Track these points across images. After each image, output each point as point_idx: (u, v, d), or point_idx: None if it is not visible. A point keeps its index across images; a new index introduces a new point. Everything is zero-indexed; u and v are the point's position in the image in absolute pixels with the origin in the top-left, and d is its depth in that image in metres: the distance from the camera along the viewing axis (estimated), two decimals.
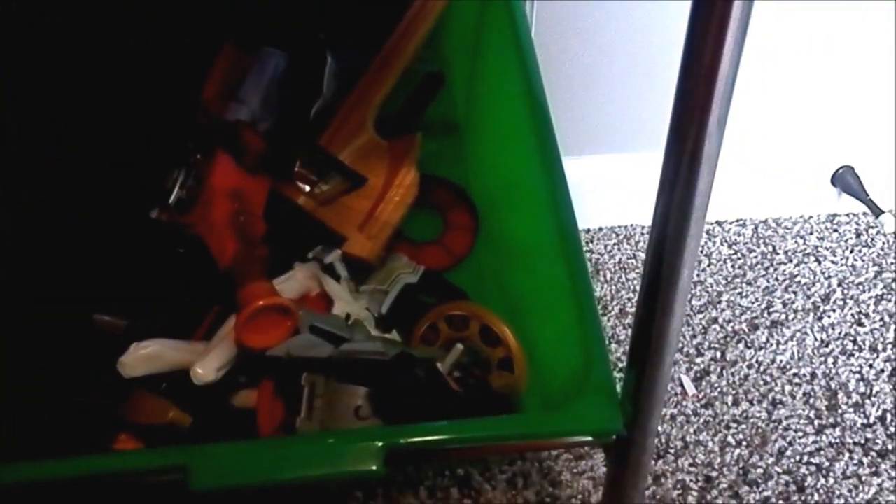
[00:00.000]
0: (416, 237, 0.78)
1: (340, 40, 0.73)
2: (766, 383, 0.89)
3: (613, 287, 1.01)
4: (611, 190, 1.08)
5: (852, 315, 0.96)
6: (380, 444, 0.50)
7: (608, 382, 0.56)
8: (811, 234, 1.07)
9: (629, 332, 0.97)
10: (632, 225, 1.09)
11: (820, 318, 0.96)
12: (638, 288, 1.01)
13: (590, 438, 0.54)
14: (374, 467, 0.50)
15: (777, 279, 1.01)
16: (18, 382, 0.57)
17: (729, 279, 1.01)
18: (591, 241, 1.07)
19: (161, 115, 0.69)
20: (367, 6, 0.74)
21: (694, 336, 0.95)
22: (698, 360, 0.91)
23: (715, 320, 0.96)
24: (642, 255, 1.06)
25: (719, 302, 0.98)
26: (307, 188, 0.68)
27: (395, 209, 0.70)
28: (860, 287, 0.99)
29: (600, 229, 1.09)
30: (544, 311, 0.66)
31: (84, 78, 0.70)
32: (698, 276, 1.02)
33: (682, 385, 0.88)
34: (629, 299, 1.00)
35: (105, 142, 0.68)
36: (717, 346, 0.93)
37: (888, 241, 1.06)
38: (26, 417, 0.56)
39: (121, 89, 0.70)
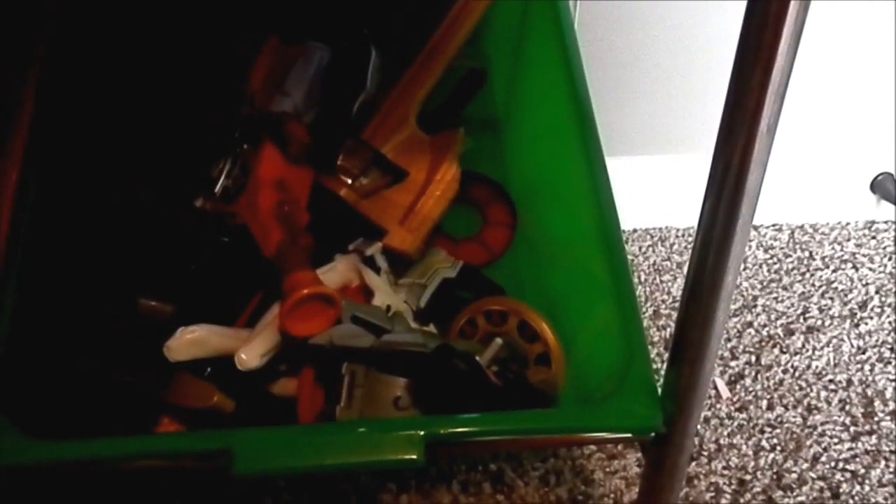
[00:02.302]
0: (455, 233, 0.78)
1: (385, 35, 0.74)
2: (801, 388, 0.88)
3: (648, 288, 1.01)
4: (645, 191, 1.08)
5: (890, 323, 0.95)
6: (421, 433, 0.51)
7: (649, 379, 0.56)
8: (849, 240, 1.06)
9: (662, 333, 0.97)
10: (666, 227, 1.09)
11: (857, 325, 0.95)
12: (672, 290, 1.01)
13: (629, 435, 0.54)
14: (414, 456, 0.50)
15: (813, 285, 1.01)
16: (65, 363, 0.58)
17: (765, 283, 1.01)
18: (627, 243, 1.07)
19: (208, 105, 0.70)
20: (412, 1, 0.75)
21: (729, 339, 0.94)
22: (733, 363, 0.91)
23: (750, 324, 0.95)
24: (677, 258, 1.06)
25: (755, 306, 0.98)
26: (349, 181, 0.69)
27: (435, 204, 0.70)
28: None
29: (634, 231, 1.09)
30: (583, 308, 0.66)
31: (134, 68, 0.71)
32: None
33: (716, 388, 0.88)
34: (663, 301, 1.00)
35: (154, 130, 0.69)
36: (752, 349, 0.92)
37: None
38: (72, 397, 0.57)
39: (169, 79, 0.71)
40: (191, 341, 0.58)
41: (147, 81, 0.72)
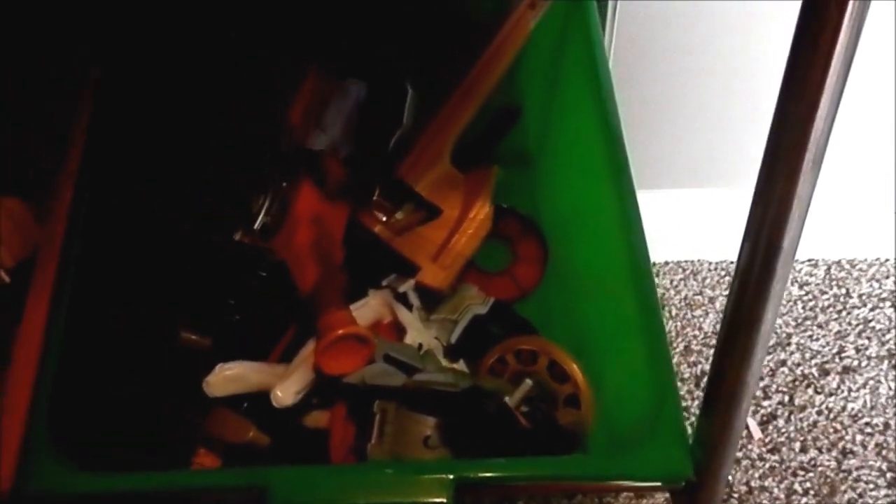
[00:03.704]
0: (486, 267, 0.79)
1: (421, 71, 0.75)
2: (836, 431, 0.87)
3: (679, 323, 1.00)
4: (678, 224, 1.08)
5: None
6: (451, 476, 0.52)
7: (678, 425, 0.56)
8: (888, 278, 1.05)
9: (694, 370, 0.96)
10: (699, 260, 1.09)
11: (895, 367, 0.94)
12: (703, 325, 1.01)
13: (659, 484, 0.54)
14: (444, 500, 0.51)
15: (850, 323, 0.99)
16: (108, 394, 0.59)
17: (799, 321, 1.00)
18: (658, 276, 1.07)
19: (249, 140, 0.72)
20: (449, 38, 0.76)
21: (761, 378, 0.94)
22: (765, 403, 0.90)
23: (784, 363, 0.95)
24: (709, 292, 1.05)
25: (788, 344, 0.97)
26: (384, 217, 0.70)
27: (468, 241, 0.71)
28: None
29: (666, 263, 1.08)
30: (613, 347, 0.66)
31: (176, 101, 0.73)
32: None
33: (747, 428, 0.87)
34: (694, 336, 0.99)
35: (198, 163, 0.71)
36: (785, 389, 0.91)
37: None
38: (114, 428, 0.58)
39: (213, 112, 0.73)
40: (229, 378, 0.59)
41: (192, 113, 0.74)
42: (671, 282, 1.06)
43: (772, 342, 0.98)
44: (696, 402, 0.91)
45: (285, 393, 0.58)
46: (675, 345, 0.98)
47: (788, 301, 1.03)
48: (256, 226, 0.66)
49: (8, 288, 0.62)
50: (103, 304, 0.63)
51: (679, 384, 0.99)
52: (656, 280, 1.07)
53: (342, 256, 0.67)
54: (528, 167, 0.84)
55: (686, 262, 1.08)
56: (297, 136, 0.73)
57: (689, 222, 1.09)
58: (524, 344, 0.68)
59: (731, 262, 1.07)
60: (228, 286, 0.67)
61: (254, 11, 0.74)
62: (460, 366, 0.72)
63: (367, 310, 0.69)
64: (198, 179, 0.70)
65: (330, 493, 0.51)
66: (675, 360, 0.97)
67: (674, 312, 1.01)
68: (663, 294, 1.05)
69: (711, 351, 0.97)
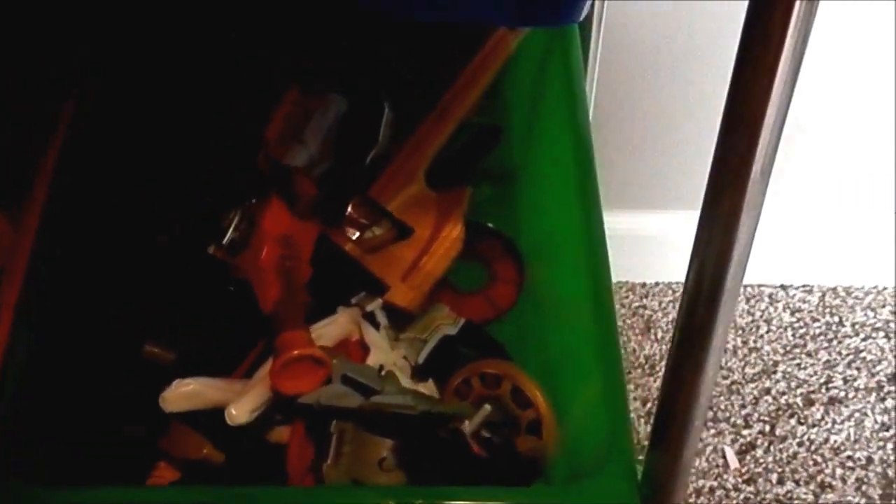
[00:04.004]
0: (461, 286, 0.79)
1: (399, 90, 0.75)
2: (815, 464, 0.86)
3: (665, 346, 1.00)
4: (670, 245, 1.07)
5: None
6: (392, 501, 0.52)
7: (628, 457, 0.55)
8: (883, 307, 1.03)
9: None
10: None
11: (883, 400, 0.93)
12: None
13: None
14: None
15: (840, 353, 0.98)
16: (65, 405, 0.60)
17: (788, 349, 0.99)
18: (647, 297, 1.06)
19: (225, 154, 0.72)
20: (428, 57, 0.76)
21: (743, 406, 0.93)
22: (745, 431, 0.89)
23: (768, 391, 0.94)
24: None
25: (774, 372, 0.96)
26: (355, 235, 0.70)
27: (438, 262, 0.71)
28: None
29: (657, 284, 1.08)
30: (577, 375, 0.66)
31: (155, 114, 0.74)
32: (755, 342, 1.00)
33: (724, 457, 0.86)
34: None
35: (170, 176, 0.72)
36: (766, 418, 0.90)
37: None
38: (69, 440, 0.59)
39: (188, 127, 0.74)
40: (185, 394, 0.59)
41: (169, 126, 0.74)
42: (660, 303, 1.05)
43: (758, 369, 0.97)
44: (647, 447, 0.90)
45: (240, 411, 0.58)
46: (658, 368, 0.98)
47: (779, 327, 1.02)
48: (224, 241, 0.67)
49: None
50: (70, 313, 0.64)
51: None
52: (645, 301, 1.07)
53: (308, 275, 0.67)
54: (511, 187, 0.84)
55: (677, 283, 1.08)
56: (274, 152, 0.73)
57: (681, 244, 1.08)
58: (488, 367, 0.68)
59: None
60: (196, 300, 0.67)
61: (237, 28, 0.74)
62: (429, 385, 0.72)
63: (335, 327, 0.69)
64: (172, 192, 0.71)
65: None
66: (657, 384, 0.96)
67: (660, 335, 1.01)
68: (651, 315, 1.04)
69: None
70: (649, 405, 0.93)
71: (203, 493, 0.54)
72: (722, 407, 0.92)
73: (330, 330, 0.68)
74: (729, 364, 0.97)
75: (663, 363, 0.98)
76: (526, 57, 0.76)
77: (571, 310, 0.67)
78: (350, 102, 0.76)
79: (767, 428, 0.89)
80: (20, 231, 0.65)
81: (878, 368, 0.95)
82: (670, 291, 1.06)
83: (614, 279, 0.64)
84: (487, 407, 0.64)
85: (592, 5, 0.82)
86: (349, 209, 0.70)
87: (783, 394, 0.93)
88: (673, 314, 1.03)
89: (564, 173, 0.71)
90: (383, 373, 0.65)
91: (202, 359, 0.65)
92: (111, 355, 0.64)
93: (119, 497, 0.53)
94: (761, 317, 1.03)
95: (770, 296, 1.07)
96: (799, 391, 0.93)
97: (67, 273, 0.65)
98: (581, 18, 0.45)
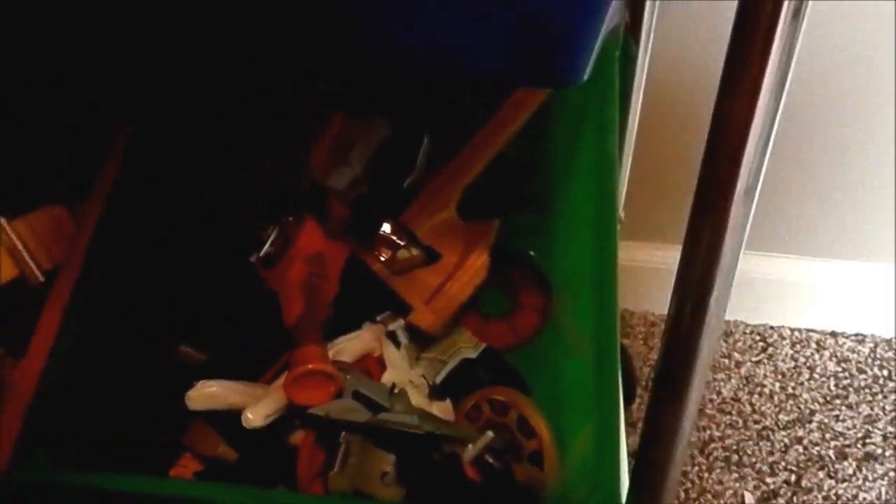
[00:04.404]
0: (487, 311, 0.82)
1: (439, 120, 0.79)
2: None
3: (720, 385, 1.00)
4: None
5: None
6: None
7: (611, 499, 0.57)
8: None
9: (702, 435, 0.96)
10: (735, 321, 1.07)
11: None
12: (723, 390, 1.00)
13: None
14: None
15: (884, 409, 0.96)
16: (101, 395, 0.66)
17: (828, 398, 0.97)
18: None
19: (270, 173, 0.77)
20: (470, 90, 0.79)
21: (771, 452, 0.92)
22: (769, 479, 0.89)
23: (799, 440, 0.93)
24: (738, 356, 1.04)
25: (810, 421, 0.95)
26: (384, 257, 0.74)
27: (461, 288, 0.74)
28: None
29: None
30: (579, 410, 0.68)
31: (210, 128, 0.80)
32: (793, 389, 0.99)
33: (743, 502, 0.86)
34: (711, 401, 0.99)
35: (220, 190, 0.77)
36: (794, 468, 0.90)
37: None
38: (102, 429, 0.65)
39: (239, 144, 0.79)
40: (208, 395, 0.64)
41: (223, 141, 0.80)
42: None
43: (791, 416, 0.96)
44: (696, 469, 0.90)
45: (255, 415, 0.63)
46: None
47: (822, 375, 1.01)
48: (261, 254, 0.72)
49: (41, 287, 0.70)
50: (116, 309, 0.70)
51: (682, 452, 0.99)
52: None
53: (335, 292, 0.71)
54: (546, 217, 0.86)
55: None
56: (318, 173, 0.78)
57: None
58: (497, 395, 0.71)
59: (771, 327, 1.05)
60: (231, 308, 0.72)
61: (287, 52, 0.79)
62: (445, 405, 0.75)
63: (357, 342, 0.73)
64: (219, 203, 0.76)
65: None
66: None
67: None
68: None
69: (725, 417, 0.96)
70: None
71: (202, 489, 0.59)
72: (749, 451, 0.92)
73: (352, 345, 0.72)
74: (763, 408, 0.96)
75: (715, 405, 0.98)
76: (564, 94, 0.78)
77: (580, 343, 0.69)
78: (394, 128, 0.80)
79: (793, 478, 0.88)
80: (80, 226, 0.72)
81: None
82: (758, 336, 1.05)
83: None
84: (490, 433, 0.66)
85: (639, 36, 0.83)
86: (381, 231, 0.74)
87: (815, 444, 0.92)
88: (746, 358, 1.03)
89: (587, 208, 0.73)
90: (395, 391, 0.68)
91: (231, 363, 0.70)
92: (149, 352, 0.69)
93: (137, 485, 0.59)
94: (805, 363, 1.02)
95: (818, 342, 1.05)
96: (833, 443, 0.92)
97: (117, 270, 0.71)
98: (585, 77, 0.47)
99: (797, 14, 0.38)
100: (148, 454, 0.65)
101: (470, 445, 0.67)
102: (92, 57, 0.73)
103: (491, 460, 0.67)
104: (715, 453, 0.91)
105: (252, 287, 0.74)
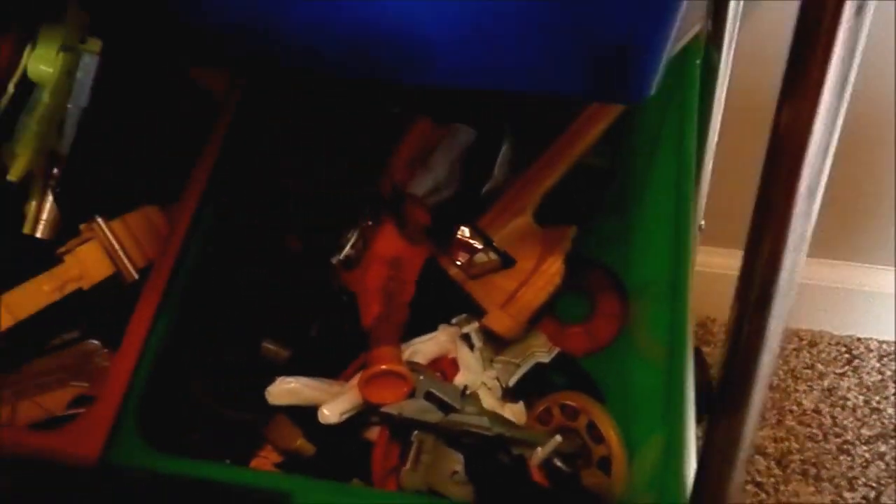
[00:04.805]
0: (565, 317, 0.82)
1: (519, 127, 0.80)
2: None
3: (777, 394, 0.98)
4: (802, 291, 1.04)
5: None
6: None
7: None
8: None
9: (780, 446, 0.94)
10: (820, 331, 1.05)
11: None
12: (804, 401, 0.97)
13: None
14: None
15: None
16: (189, 387, 0.70)
17: None
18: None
19: (354, 177, 0.80)
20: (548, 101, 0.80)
21: (851, 467, 0.90)
22: (847, 494, 0.87)
23: (881, 456, 0.90)
24: (821, 367, 1.01)
25: (893, 437, 0.92)
26: (460, 261, 0.75)
27: (536, 294, 0.75)
28: None
29: (784, 331, 1.05)
30: (649, 420, 0.68)
31: (300, 133, 0.83)
32: (878, 403, 0.96)
33: None
34: (790, 411, 0.97)
35: (306, 193, 0.80)
36: (874, 484, 0.87)
37: None
38: (189, 418, 0.68)
39: (328, 150, 0.82)
40: (287, 391, 0.67)
41: (311, 146, 0.83)
42: (782, 350, 1.03)
43: (875, 431, 0.93)
44: (773, 480, 0.89)
45: (331, 412, 0.65)
46: (767, 417, 0.96)
47: None
48: (341, 257, 0.74)
49: (135, 284, 0.74)
50: (205, 306, 0.73)
51: (759, 458, 0.97)
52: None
53: (412, 295, 0.73)
54: (626, 225, 0.86)
55: (805, 330, 1.05)
56: (399, 177, 0.80)
57: (816, 291, 1.05)
58: (568, 399, 0.72)
59: (858, 339, 1.03)
60: (313, 308, 0.75)
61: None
62: (518, 408, 0.76)
63: (433, 344, 0.75)
64: (305, 206, 0.79)
65: None
66: (762, 433, 0.95)
67: (774, 383, 0.99)
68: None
69: (805, 429, 0.94)
70: (750, 452, 0.92)
71: (281, 480, 0.62)
72: (827, 465, 0.90)
73: (427, 346, 0.74)
74: (844, 422, 0.94)
75: (773, 412, 0.96)
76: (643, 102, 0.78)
77: (654, 351, 0.69)
78: (477, 134, 0.81)
79: (873, 494, 0.86)
80: (173, 227, 0.75)
81: None
82: (796, 339, 1.04)
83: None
84: (558, 438, 0.67)
85: (721, 44, 0.82)
86: (458, 236, 0.76)
87: None
88: (794, 362, 1.01)
89: (664, 216, 0.73)
90: (467, 393, 0.70)
91: (311, 360, 0.73)
92: (234, 346, 0.73)
93: (221, 473, 0.62)
94: (891, 377, 0.99)
95: None
96: None
97: (208, 267, 0.74)
98: (651, 93, 0.48)
99: (860, 11, 0.37)
100: (231, 444, 0.69)
101: (538, 449, 0.68)
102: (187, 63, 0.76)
103: (559, 464, 0.68)
104: (793, 465, 0.89)
105: (333, 288, 0.77)
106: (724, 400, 0.51)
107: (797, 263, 0.47)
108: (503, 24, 0.40)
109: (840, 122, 0.42)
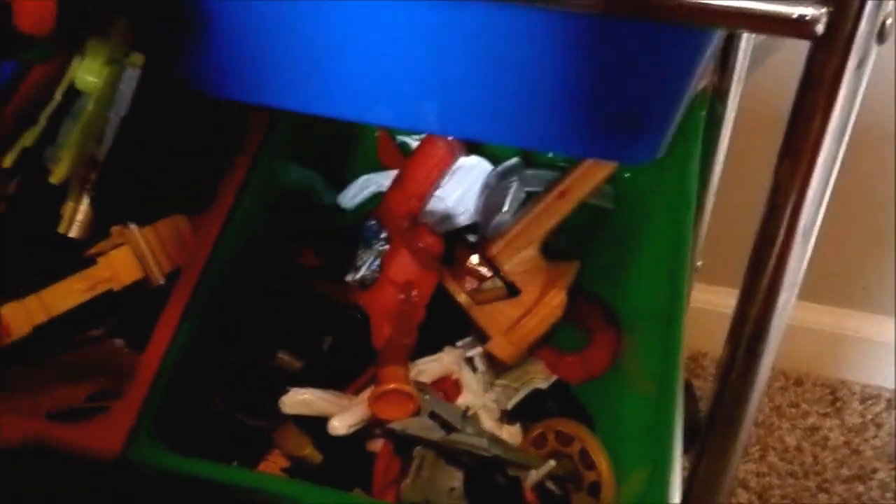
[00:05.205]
0: (562, 346, 0.87)
1: (531, 166, 0.84)
2: None
3: (762, 430, 1.02)
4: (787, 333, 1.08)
5: None
6: None
7: None
8: None
9: (762, 481, 0.98)
10: (807, 372, 1.09)
11: None
12: (786, 439, 1.01)
13: None
14: None
15: None
16: (206, 391, 0.74)
17: (892, 458, 0.99)
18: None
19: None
20: None
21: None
22: None
23: (859, 496, 0.95)
24: (805, 406, 1.05)
25: (871, 479, 0.97)
26: (468, 288, 0.80)
27: (538, 324, 0.79)
28: None
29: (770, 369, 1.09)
30: (641, 447, 0.72)
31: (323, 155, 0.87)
32: (857, 445, 1.00)
33: None
34: (773, 448, 1.01)
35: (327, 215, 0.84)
36: None
37: None
38: (203, 421, 0.72)
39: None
40: (299, 401, 0.71)
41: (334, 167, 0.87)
42: (767, 387, 1.07)
43: (852, 472, 0.97)
44: None
45: (340, 424, 0.70)
46: (751, 452, 1.01)
47: (888, 434, 1.02)
48: (357, 277, 0.78)
49: (160, 288, 0.78)
50: (227, 314, 0.77)
51: (741, 491, 1.02)
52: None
53: (422, 317, 0.77)
54: (623, 258, 0.90)
55: (792, 371, 1.09)
56: (414, 203, 0.84)
57: (804, 333, 1.09)
58: (562, 426, 0.76)
59: (842, 381, 1.07)
60: (327, 322, 0.79)
61: None
62: (515, 430, 0.81)
63: (438, 365, 0.79)
64: (325, 228, 0.83)
65: None
66: (745, 467, 0.99)
67: (759, 419, 1.03)
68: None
69: (786, 466, 0.98)
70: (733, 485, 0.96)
71: (290, 486, 0.66)
72: (806, 502, 0.94)
73: (432, 366, 0.78)
74: (825, 460, 0.98)
75: (756, 447, 1.01)
76: None
77: (644, 383, 0.73)
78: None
79: None
80: (201, 236, 0.80)
81: None
82: (782, 377, 1.08)
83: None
84: (552, 462, 0.71)
85: (726, 97, 0.86)
86: (467, 264, 0.80)
87: (874, 502, 0.93)
88: (779, 400, 1.05)
89: (662, 252, 0.77)
90: (468, 414, 0.74)
91: (322, 371, 0.77)
92: (251, 354, 0.77)
93: (232, 476, 0.66)
94: (872, 420, 1.03)
95: (888, 400, 1.06)
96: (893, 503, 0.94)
97: (230, 278, 0.79)
98: (659, 156, 0.52)
99: (861, 65, 0.41)
100: (241, 448, 0.73)
101: (533, 471, 0.72)
102: None
103: (551, 486, 0.73)
104: (773, 500, 0.93)
105: (346, 305, 0.81)
106: (712, 434, 0.54)
107: (789, 303, 0.50)
108: (537, 99, 0.44)
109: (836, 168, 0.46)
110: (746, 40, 0.79)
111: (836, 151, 0.44)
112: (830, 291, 1.08)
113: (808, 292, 1.10)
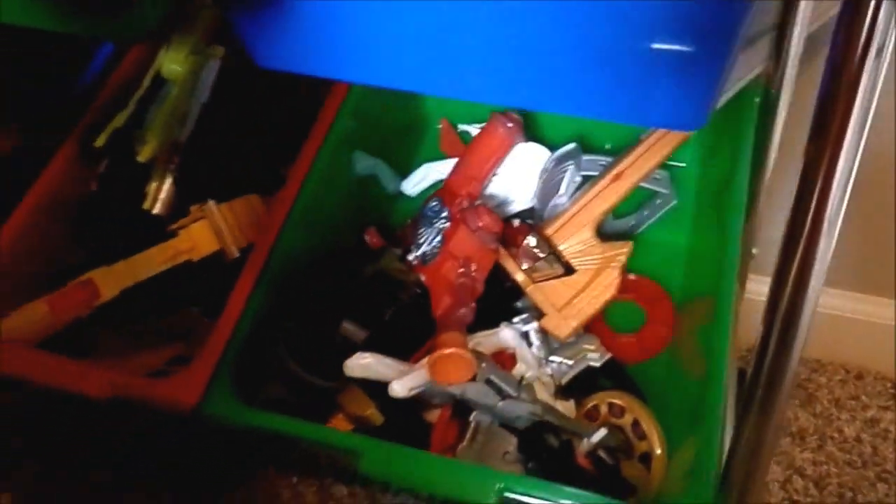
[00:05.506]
0: (619, 325, 0.89)
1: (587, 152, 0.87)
2: None
3: (820, 421, 1.02)
4: (849, 326, 1.08)
5: None
6: (500, 485, 0.64)
7: None
8: None
9: (819, 469, 0.98)
10: (867, 366, 1.09)
11: None
12: (845, 430, 1.01)
13: None
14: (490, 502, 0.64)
15: None
16: (279, 354, 0.78)
17: None
18: (815, 371, 1.08)
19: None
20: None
21: (888, 495, 0.94)
22: None
23: None
24: (865, 399, 1.05)
25: None
26: (525, 266, 0.83)
27: (591, 302, 0.82)
28: None
29: (831, 363, 1.09)
30: (689, 424, 0.74)
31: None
32: None
33: None
34: (831, 438, 1.01)
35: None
36: None
37: None
38: (276, 380, 0.77)
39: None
40: (362, 365, 0.75)
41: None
42: (827, 380, 1.07)
43: None
44: (809, 500, 0.93)
45: (400, 387, 0.73)
46: (808, 440, 1.01)
47: None
48: (419, 253, 0.82)
49: (235, 261, 0.84)
50: (297, 286, 0.82)
51: (797, 478, 1.01)
52: (812, 375, 1.09)
53: (480, 292, 0.81)
54: (678, 241, 0.92)
55: (853, 364, 1.09)
56: (475, 185, 0.88)
57: (869, 328, 1.08)
58: (615, 398, 0.78)
59: None
60: (391, 294, 0.83)
61: None
62: (569, 404, 0.83)
63: (495, 338, 0.82)
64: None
65: (404, 470, 0.66)
66: (802, 455, 0.99)
67: (818, 410, 1.03)
68: (815, 390, 1.06)
69: (844, 455, 0.97)
70: (790, 472, 0.97)
71: (354, 440, 0.70)
72: (864, 491, 0.94)
73: (490, 340, 0.82)
74: (885, 452, 0.98)
75: (814, 436, 1.01)
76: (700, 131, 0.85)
77: (695, 362, 0.75)
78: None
79: None
80: (272, 214, 0.85)
81: None
82: (842, 371, 1.08)
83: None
84: (604, 430, 0.74)
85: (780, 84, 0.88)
86: (525, 244, 0.83)
87: None
88: (839, 392, 1.05)
89: (710, 238, 0.79)
90: (523, 383, 0.77)
91: (385, 342, 0.81)
92: (319, 324, 0.81)
93: (296, 428, 0.70)
94: None
95: None
96: None
97: (300, 252, 0.83)
98: (705, 124, 0.55)
99: (879, 52, 0.42)
100: (309, 407, 0.77)
101: (585, 439, 0.74)
102: None
103: (603, 455, 0.75)
104: (829, 488, 0.93)
105: (408, 281, 0.85)
106: (746, 415, 0.56)
107: (817, 289, 0.52)
108: (573, 62, 0.47)
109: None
110: (800, 27, 0.80)
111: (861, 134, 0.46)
112: (888, 286, 1.07)
113: (872, 286, 1.10)
